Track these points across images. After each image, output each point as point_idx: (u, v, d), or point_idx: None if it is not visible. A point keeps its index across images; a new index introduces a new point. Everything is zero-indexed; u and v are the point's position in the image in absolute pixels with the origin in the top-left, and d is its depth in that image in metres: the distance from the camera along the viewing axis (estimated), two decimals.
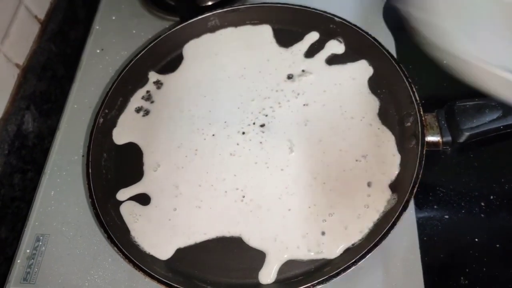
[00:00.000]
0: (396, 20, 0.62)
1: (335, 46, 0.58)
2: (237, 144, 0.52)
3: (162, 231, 0.47)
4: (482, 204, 0.49)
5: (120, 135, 0.55)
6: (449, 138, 0.46)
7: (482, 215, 0.48)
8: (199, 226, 0.47)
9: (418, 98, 0.48)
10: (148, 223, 0.48)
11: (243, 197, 0.48)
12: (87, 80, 0.61)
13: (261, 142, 0.52)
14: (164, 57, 0.60)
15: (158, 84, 0.58)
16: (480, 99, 0.46)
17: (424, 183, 0.49)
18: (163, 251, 0.47)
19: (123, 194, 0.50)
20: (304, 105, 0.54)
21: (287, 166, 0.50)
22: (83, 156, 0.54)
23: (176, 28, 0.59)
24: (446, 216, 0.48)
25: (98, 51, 0.64)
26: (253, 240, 0.46)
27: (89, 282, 0.47)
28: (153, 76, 0.59)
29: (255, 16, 0.61)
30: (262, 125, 0.53)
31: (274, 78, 0.56)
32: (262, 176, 0.50)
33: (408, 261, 0.45)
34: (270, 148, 0.51)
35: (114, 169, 0.53)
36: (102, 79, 0.60)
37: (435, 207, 0.49)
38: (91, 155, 0.50)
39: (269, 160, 0.50)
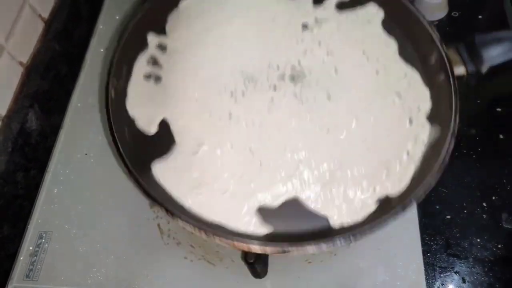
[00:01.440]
0: None
1: None
2: (272, 100, 0.49)
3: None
4: (484, 204, 0.49)
5: (135, 106, 0.50)
6: (473, 70, 0.47)
7: (484, 215, 0.48)
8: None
9: (439, 36, 0.48)
10: None
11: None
12: (91, 79, 0.61)
13: (295, 95, 0.50)
14: (162, 15, 0.56)
15: (161, 47, 0.54)
16: (497, 32, 0.48)
17: None
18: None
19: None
20: (328, 53, 0.52)
21: (329, 114, 0.48)
22: (86, 154, 0.55)
23: None
24: (448, 216, 0.49)
25: (101, 50, 0.64)
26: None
27: (92, 279, 0.47)
28: (153, 39, 0.54)
29: None
30: (292, 78, 0.51)
31: (290, 30, 0.54)
32: (308, 128, 0.48)
33: (410, 262, 0.45)
34: (307, 99, 0.49)
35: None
36: (105, 78, 0.60)
37: (437, 207, 0.49)
38: (116, 133, 0.45)
39: (310, 111, 0.49)
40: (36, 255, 0.49)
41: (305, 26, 0.54)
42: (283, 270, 0.46)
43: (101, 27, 0.66)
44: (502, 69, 0.48)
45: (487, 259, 0.46)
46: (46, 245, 0.50)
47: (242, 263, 0.45)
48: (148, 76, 0.52)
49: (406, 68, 0.50)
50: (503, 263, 0.46)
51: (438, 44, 0.48)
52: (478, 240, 0.47)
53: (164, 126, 0.49)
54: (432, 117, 0.47)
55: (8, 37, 0.53)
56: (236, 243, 0.40)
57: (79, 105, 0.59)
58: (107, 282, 0.47)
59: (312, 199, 0.44)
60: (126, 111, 0.49)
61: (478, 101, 0.56)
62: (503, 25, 0.60)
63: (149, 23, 0.54)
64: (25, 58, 0.57)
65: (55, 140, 0.57)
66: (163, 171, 0.46)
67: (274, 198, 0.44)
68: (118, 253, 0.48)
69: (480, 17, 0.61)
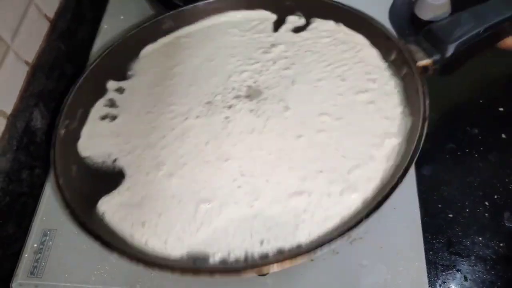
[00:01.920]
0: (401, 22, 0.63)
1: (296, 21, 0.59)
2: (226, 118, 0.51)
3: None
4: (486, 203, 0.49)
5: (88, 147, 0.53)
6: (438, 56, 0.47)
7: (486, 214, 0.48)
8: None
9: (394, 33, 0.51)
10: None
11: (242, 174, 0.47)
12: None
13: (251, 110, 0.51)
14: (122, 63, 0.59)
15: (120, 90, 0.57)
16: (450, 16, 0.50)
17: (428, 183, 0.50)
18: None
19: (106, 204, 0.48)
20: (285, 68, 0.53)
21: (287, 125, 0.49)
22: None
23: (129, 34, 0.59)
24: (450, 215, 0.49)
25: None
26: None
27: (96, 276, 0.47)
28: (112, 85, 0.58)
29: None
30: (248, 96, 0.52)
31: (247, 54, 0.56)
32: (262, 140, 0.48)
33: (412, 260, 0.46)
34: (263, 112, 0.50)
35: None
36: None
37: (439, 206, 0.49)
38: (57, 169, 0.48)
39: (266, 124, 0.49)
40: (40, 252, 0.49)
41: (263, 50, 0.56)
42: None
43: (106, 27, 0.67)
44: (465, 53, 0.49)
45: (489, 258, 0.46)
46: (50, 242, 0.50)
47: None
48: (104, 117, 0.55)
49: (367, 66, 0.52)
50: (505, 262, 0.46)
51: (394, 40, 0.50)
52: (480, 238, 0.47)
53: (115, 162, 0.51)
54: (406, 111, 0.48)
55: (14, 36, 0.54)
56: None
57: None
58: (110, 279, 0.47)
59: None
60: (76, 150, 0.52)
61: (481, 101, 0.56)
62: None
63: (110, 70, 0.57)
64: (30, 57, 0.57)
65: None
66: (111, 205, 0.47)
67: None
68: None
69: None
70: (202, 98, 0.53)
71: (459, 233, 0.48)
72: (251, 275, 0.43)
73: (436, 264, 0.46)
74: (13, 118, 0.53)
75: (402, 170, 0.42)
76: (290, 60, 0.54)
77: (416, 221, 0.48)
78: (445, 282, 0.45)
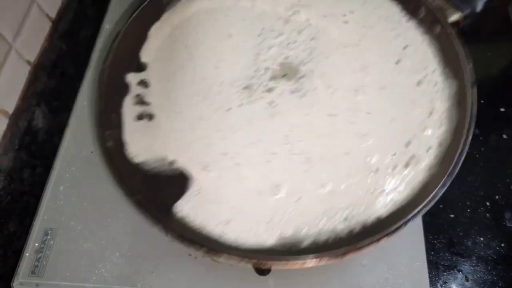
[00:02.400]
0: None
1: None
2: (270, 104, 0.47)
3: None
4: (487, 203, 0.49)
5: (138, 153, 0.49)
6: (468, 11, 0.46)
7: (488, 214, 0.48)
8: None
9: None
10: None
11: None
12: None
13: (293, 92, 0.48)
14: (134, 53, 0.54)
15: (143, 83, 0.53)
16: None
17: None
18: None
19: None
20: (312, 39, 0.50)
21: (333, 103, 0.47)
22: (91, 152, 0.55)
23: (132, 17, 0.53)
24: (452, 215, 0.49)
25: None
26: None
27: (97, 276, 0.48)
28: (133, 78, 0.53)
29: None
30: (284, 75, 0.49)
31: (268, 26, 0.51)
32: (313, 122, 0.46)
33: (413, 260, 0.45)
34: (306, 92, 0.48)
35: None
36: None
37: (440, 206, 0.49)
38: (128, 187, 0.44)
39: (313, 105, 0.47)
40: (41, 252, 0.49)
41: (281, 19, 0.51)
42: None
43: (107, 27, 0.67)
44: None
45: (490, 258, 0.46)
46: (52, 241, 0.50)
47: None
48: (140, 117, 0.50)
49: (399, 29, 0.48)
50: (506, 262, 0.46)
51: None
52: (482, 239, 0.47)
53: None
54: (447, 73, 0.45)
55: (16, 36, 0.54)
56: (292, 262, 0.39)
57: (84, 103, 0.60)
58: (111, 279, 0.47)
59: None
60: (129, 160, 0.48)
61: (482, 101, 0.56)
62: (507, 28, 0.60)
63: (123, 62, 0.52)
64: (32, 57, 0.58)
65: (61, 138, 0.57)
66: (189, 209, 0.45)
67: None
68: (123, 250, 0.49)
69: (485, 20, 0.61)
70: (237, 83, 0.49)
71: (460, 233, 0.48)
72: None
73: (437, 264, 0.46)
74: (15, 117, 0.53)
75: (464, 136, 0.41)
76: (315, 29, 0.50)
77: (417, 221, 0.47)
78: (446, 282, 0.45)
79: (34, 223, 0.51)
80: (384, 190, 0.43)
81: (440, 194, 0.39)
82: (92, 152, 0.55)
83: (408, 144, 0.44)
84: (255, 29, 0.51)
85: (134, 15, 0.52)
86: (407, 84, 0.46)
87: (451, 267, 0.46)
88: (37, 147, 0.57)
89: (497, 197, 0.49)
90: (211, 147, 0.47)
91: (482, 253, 0.46)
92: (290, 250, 0.42)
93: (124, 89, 0.52)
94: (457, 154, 0.40)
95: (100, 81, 0.49)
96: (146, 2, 0.52)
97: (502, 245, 0.47)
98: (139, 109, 0.51)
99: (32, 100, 0.56)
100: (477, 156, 0.52)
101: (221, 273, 0.47)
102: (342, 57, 0.48)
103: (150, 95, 0.52)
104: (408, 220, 0.39)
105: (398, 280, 0.45)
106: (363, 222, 0.42)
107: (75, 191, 0.53)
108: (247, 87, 0.48)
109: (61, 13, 0.63)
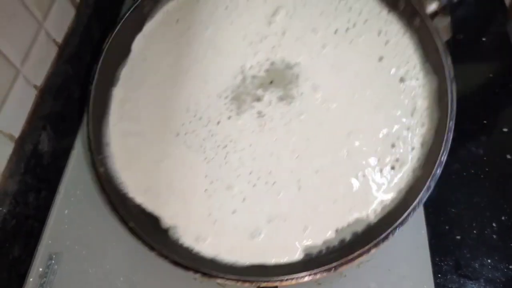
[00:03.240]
0: None
1: None
2: (259, 114, 0.47)
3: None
4: (494, 224, 0.49)
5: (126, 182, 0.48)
6: (445, 0, 0.46)
7: (494, 236, 0.48)
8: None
9: None
10: None
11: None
12: None
13: (281, 99, 0.47)
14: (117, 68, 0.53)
15: (129, 100, 0.51)
16: None
17: (435, 204, 0.50)
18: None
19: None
20: (296, 39, 0.49)
21: (321, 107, 0.46)
22: None
23: (114, 32, 0.52)
24: (458, 237, 0.48)
25: None
26: None
27: None
28: (118, 92, 0.52)
29: None
30: (271, 82, 0.48)
31: (252, 29, 0.50)
32: (303, 129, 0.46)
33: (420, 283, 0.45)
34: (294, 99, 0.47)
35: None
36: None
37: (446, 227, 0.49)
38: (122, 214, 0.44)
39: (301, 111, 0.46)
40: (45, 276, 0.49)
41: (264, 20, 0.51)
42: None
43: None
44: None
45: (498, 280, 0.46)
46: (56, 266, 0.50)
47: None
48: (126, 137, 0.49)
49: (381, 24, 0.48)
50: None
51: None
52: (489, 260, 0.47)
53: None
54: (427, 68, 0.45)
55: (24, 61, 0.55)
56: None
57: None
58: None
59: None
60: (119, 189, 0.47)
61: (485, 122, 0.56)
62: (506, 46, 0.61)
63: (108, 79, 0.51)
64: (39, 81, 0.58)
65: (66, 161, 0.58)
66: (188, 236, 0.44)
67: None
68: (127, 274, 0.48)
69: (484, 39, 0.62)
70: (224, 94, 0.48)
71: (467, 255, 0.47)
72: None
73: (445, 287, 0.46)
74: (21, 141, 0.54)
75: (445, 136, 0.41)
76: (297, 28, 0.50)
77: (423, 243, 0.47)
78: None
79: (39, 247, 0.51)
80: (372, 196, 0.42)
81: (425, 197, 0.39)
82: None
83: (392, 146, 0.43)
84: (239, 35, 0.51)
85: (115, 30, 0.51)
86: (390, 83, 0.45)
87: None
88: (42, 170, 0.57)
89: (503, 218, 0.49)
90: (207, 176, 0.46)
91: (490, 275, 0.46)
92: (284, 265, 0.41)
93: (110, 107, 0.51)
94: (440, 154, 0.40)
95: (88, 103, 0.48)
96: (126, 14, 0.51)
97: (510, 267, 0.46)
98: (126, 128, 0.50)
99: (38, 124, 0.56)
100: (482, 176, 0.52)
101: None
102: (325, 58, 0.48)
103: (136, 112, 0.50)
104: (396, 227, 0.39)
105: None
106: (354, 230, 0.42)
107: (80, 215, 0.53)
108: (235, 98, 0.48)
109: (68, 38, 0.64)
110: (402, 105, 0.44)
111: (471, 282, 0.46)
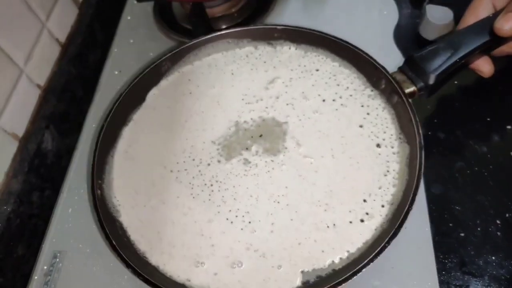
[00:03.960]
0: (405, 41, 0.64)
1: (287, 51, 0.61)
2: (246, 160, 0.51)
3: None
4: (498, 222, 0.49)
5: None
6: (422, 84, 0.51)
7: (498, 233, 0.48)
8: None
9: (381, 63, 0.53)
10: None
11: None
12: (105, 101, 0.62)
13: (268, 150, 0.52)
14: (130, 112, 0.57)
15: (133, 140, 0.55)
16: (429, 45, 0.52)
17: (439, 201, 0.50)
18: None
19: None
20: (287, 104, 0.55)
21: (303, 158, 0.51)
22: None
23: (133, 83, 0.56)
24: (462, 234, 0.48)
25: (116, 73, 0.65)
26: None
27: None
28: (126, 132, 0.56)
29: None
30: (260, 135, 0.53)
31: (251, 92, 0.57)
32: (282, 180, 0.49)
33: (424, 280, 0.45)
34: (278, 151, 0.51)
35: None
36: (111, 103, 0.60)
37: (450, 225, 0.49)
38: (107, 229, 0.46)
39: (286, 162, 0.51)
40: (50, 275, 0.49)
41: (263, 84, 0.58)
42: None
43: (115, 50, 0.68)
44: (448, 78, 0.52)
45: (503, 277, 0.45)
46: (60, 264, 0.50)
47: None
48: (125, 165, 0.53)
49: (363, 98, 0.54)
50: None
51: (382, 69, 0.53)
52: (494, 258, 0.46)
53: None
54: (402, 138, 0.50)
55: (27, 60, 0.55)
56: None
57: (93, 126, 0.60)
58: None
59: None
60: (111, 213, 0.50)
61: (488, 119, 0.56)
62: None
63: (119, 120, 0.56)
64: (42, 81, 0.59)
65: (70, 160, 0.58)
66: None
67: None
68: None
69: None
70: (218, 141, 0.53)
71: (472, 253, 0.47)
72: None
73: (449, 284, 0.46)
74: (24, 141, 0.54)
75: (410, 196, 0.44)
76: (290, 95, 0.56)
77: (427, 240, 0.47)
78: None
79: (43, 246, 0.51)
80: (340, 244, 0.45)
81: (385, 250, 0.41)
82: None
83: (364, 201, 0.47)
84: (239, 95, 0.57)
85: (135, 81, 0.56)
86: (368, 147, 0.51)
87: (463, 287, 0.46)
88: (46, 169, 0.57)
89: (507, 215, 0.49)
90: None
91: (494, 272, 0.46)
92: None
93: (117, 142, 0.55)
94: (403, 214, 0.43)
95: (98, 135, 0.52)
96: (146, 70, 0.57)
97: None
98: (126, 161, 0.54)
99: (42, 123, 0.57)
100: (485, 174, 0.52)
101: None
102: (312, 121, 0.54)
103: (139, 148, 0.55)
104: (348, 278, 0.41)
105: None
106: (319, 274, 0.44)
107: (84, 213, 0.53)
108: (226, 146, 0.53)
109: (71, 38, 0.65)
110: (376, 166, 0.49)
111: (475, 279, 0.46)
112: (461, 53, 0.50)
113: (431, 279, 0.45)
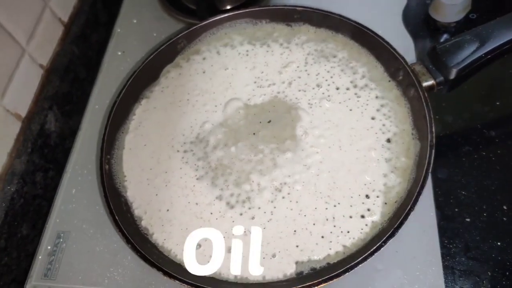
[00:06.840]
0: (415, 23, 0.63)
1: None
2: (252, 145, 0.50)
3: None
4: (504, 207, 0.48)
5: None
6: (441, 78, 0.48)
7: (504, 218, 0.47)
8: None
9: (400, 53, 0.51)
10: None
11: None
12: (108, 81, 0.62)
13: (274, 136, 0.50)
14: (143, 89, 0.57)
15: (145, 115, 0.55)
16: (455, 37, 0.49)
17: (445, 186, 0.49)
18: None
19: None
20: (300, 90, 0.54)
21: (310, 148, 0.50)
22: None
23: (148, 59, 0.56)
24: (468, 219, 0.48)
25: (119, 53, 0.65)
26: None
27: (109, 279, 0.47)
28: (137, 109, 0.56)
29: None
30: (269, 121, 0.52)
31: (263, 77, 0.56)
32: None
33: (428, 265, 0.45)
34: (286, 139, 0.50)
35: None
36: (122, 81, 0.61)
37: (456, 210, 0.48)
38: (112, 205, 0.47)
39: (291, 149, 0.50)
40: (54, 255, 0.50)
41: (281, 65, 0.56)
42: None
43: (119, 30, 0.67)
44: (471, 73, 0.49)
45: (508, 263, 0.45)
46: (64, 244, 0.50)
47: None
48: (134, 144, 0.53)
49: (377, 89, 0.52)
50: None
51: (401, 60, 0.50)
52: (499, 243, 0.46)
53: None
54: (414, 134, 0.49)
55: (29, 40, 0.54)
56: None
57: (96, 107, 0.60)
58: (124, 282, 0.47)
59: None
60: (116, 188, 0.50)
61: (497, 103, 0.55)
62: None
63: (132, 97, 0.56)
64: (45, 61, 0.58)
65: (73, 141, 0.58)
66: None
67: None
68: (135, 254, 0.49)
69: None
70: (226, 124, 0.53)
71: (477, 238, 0.47)
72: None
73: (453, 269, 0.45)
74: (27, 121, 0.54)
75: (414, 196, 0.43)
76: (304, 81, 0.55)
77: (432, 225, 0.47)
78: (463, 287, 0.45)
79: (47, 226, 0.52)
80: (337, 238, 0.45)
81: (380, 249, 0.41)
82: None
83: (367, 197, 0.46)
84: (251, 77, 0.56)
85: (150, 58, 0.56)
86: (377, 140, 0.49)
87: (468, 272, 0.45)
88: (50, 150, 0.57)
89: None
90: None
91: (499, 258, 0.45)
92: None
93: (128, 119, 0.56)
94: (404, 214, 0.42)
95: (111, 110, 0.53)
96: (162, 46, 0.57)
97: None
98: (136, 138, 0.54)
99: (45, 104, 0.56)
100: (493, 159, 0.51)
101: None
102: (323, 109, 0.52)
103: (149, 126, 0.55)
104: (341, 274, 0.40)
105: (414, 285, 0.44)
106: (313, 266, 0.44)
107: (87, 194, 0.53)
108: (234, 129, 0.52)
109: (74, 18, 0.64)
110: (384, 162, 0.48)
111: (479, 264, 0.45)
112: (488, 47, 0.46)
113: (435, 264, 0.45)
